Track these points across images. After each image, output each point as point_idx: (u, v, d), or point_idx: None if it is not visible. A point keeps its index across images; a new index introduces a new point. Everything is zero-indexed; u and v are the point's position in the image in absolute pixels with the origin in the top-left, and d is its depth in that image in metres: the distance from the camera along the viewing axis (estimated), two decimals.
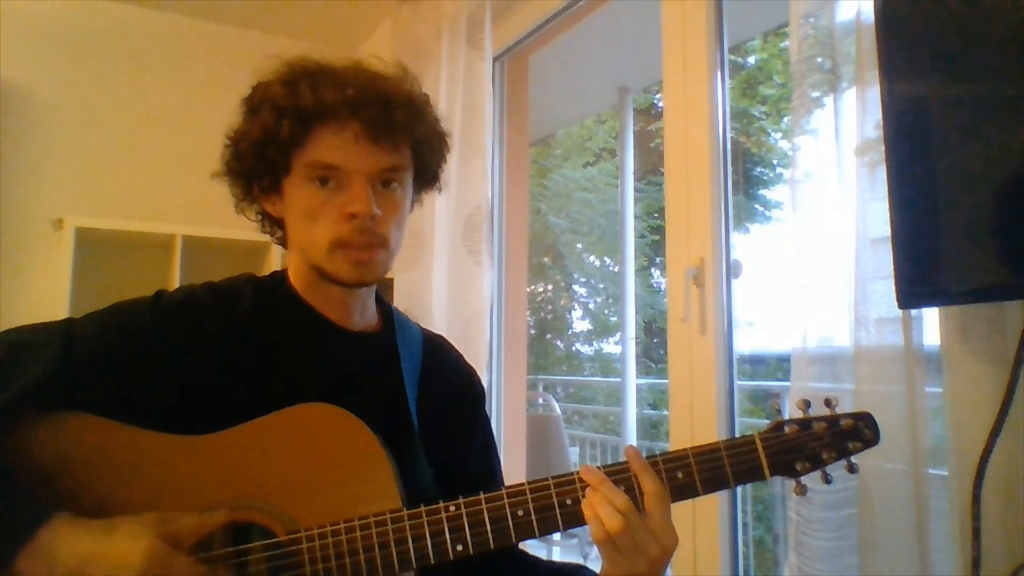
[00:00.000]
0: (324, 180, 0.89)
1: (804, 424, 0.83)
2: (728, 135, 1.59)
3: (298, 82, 0.90)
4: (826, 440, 0.82)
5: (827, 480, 0.83)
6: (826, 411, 0.84)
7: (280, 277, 1.00)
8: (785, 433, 0.83)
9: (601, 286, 9.03)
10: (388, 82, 0.93)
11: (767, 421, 0.86)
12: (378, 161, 0.90)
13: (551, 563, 1.05)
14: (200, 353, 0.89)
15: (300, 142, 0.89)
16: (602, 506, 0.78)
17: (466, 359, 1.13)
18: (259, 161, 0.91)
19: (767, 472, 0.82)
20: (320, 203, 0.89)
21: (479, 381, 1.12)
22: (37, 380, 0.81)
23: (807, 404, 0.84)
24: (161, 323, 0.89)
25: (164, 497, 0.82)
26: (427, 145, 0.98)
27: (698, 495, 0.82)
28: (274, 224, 0.99)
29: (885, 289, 1.06)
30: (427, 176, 1.02)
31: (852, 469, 0.83)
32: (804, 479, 0.83)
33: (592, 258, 9.11)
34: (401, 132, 0.92)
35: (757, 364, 5.27)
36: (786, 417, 0.85)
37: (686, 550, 1.52)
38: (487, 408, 1.13)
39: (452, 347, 1.13)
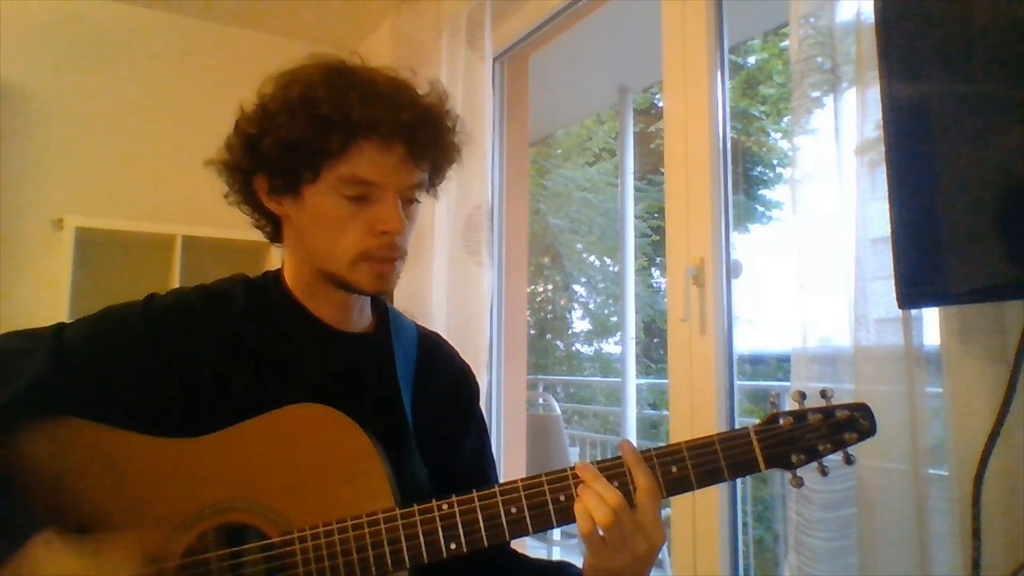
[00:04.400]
0: (357, 196, 0.88)
1: (799, 416, 0.83)
2: (728, 135, 1.58)
3: (347, 92, 0.86)
4: (822, 432, 0.82)
5: (823, 472, 0.83)
6: (822, 403, 0.84)
7: (273, 278, 0.99)
8: (780, 425, 0.82)
9: (601, 286, 9.03)
10: (431, 101, 0.92)
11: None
12: (412, 179, 0.90)
13: (539, 561, 1.05)
14: (192, 356, 0.88)
15: (340, 154, 0.86)
16: (592, 500, 0.78)
17: (461, 356, 1.13)
18: (283, 162, 0.88)
19: (762, 465, 0.81)
20: (349, 216, 0.88)
21: (474, 378, 1.12)
22: (28, 386, 0.81)
23: (802, 396, 0.84)
24: (153, 327, 0.89)
25: (159, 500, 0.82)
26: (448, 162, 0.98)
27: (693, 489, 0.81)
28: (268, 218, 0.97)
29: (885, 289, 1.06)
30: (436, 181, 1.01)
31: (849, 461, 0.83)
32: (801, 472, 0.83)
33: (592, 258, 9.11)
34: (438, 154, 0.93)
35: (757, 364, 5.27)
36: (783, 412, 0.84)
37: (686, 550, 1.52)
38: (486, 408, 1.13)
39: (447, 344, 1.13)
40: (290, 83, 0.89)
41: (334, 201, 0.88)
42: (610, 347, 8.70)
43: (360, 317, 1.01)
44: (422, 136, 0.89)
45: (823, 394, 0.84)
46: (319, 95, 0.86)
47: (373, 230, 0.88)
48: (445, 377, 1.07)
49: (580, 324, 9.16)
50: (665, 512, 0.85)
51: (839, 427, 0.82)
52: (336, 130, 0.85)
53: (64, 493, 0.81)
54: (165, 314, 0.90)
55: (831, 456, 0.83)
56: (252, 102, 0.91)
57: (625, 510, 0.78)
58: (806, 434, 0.82)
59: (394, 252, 0.90)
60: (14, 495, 0.78)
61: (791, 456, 0.82)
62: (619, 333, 6.94)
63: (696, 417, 1.53)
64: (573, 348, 9.13)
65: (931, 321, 1.05)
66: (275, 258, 2.65)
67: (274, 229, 0.98)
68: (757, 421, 0.84)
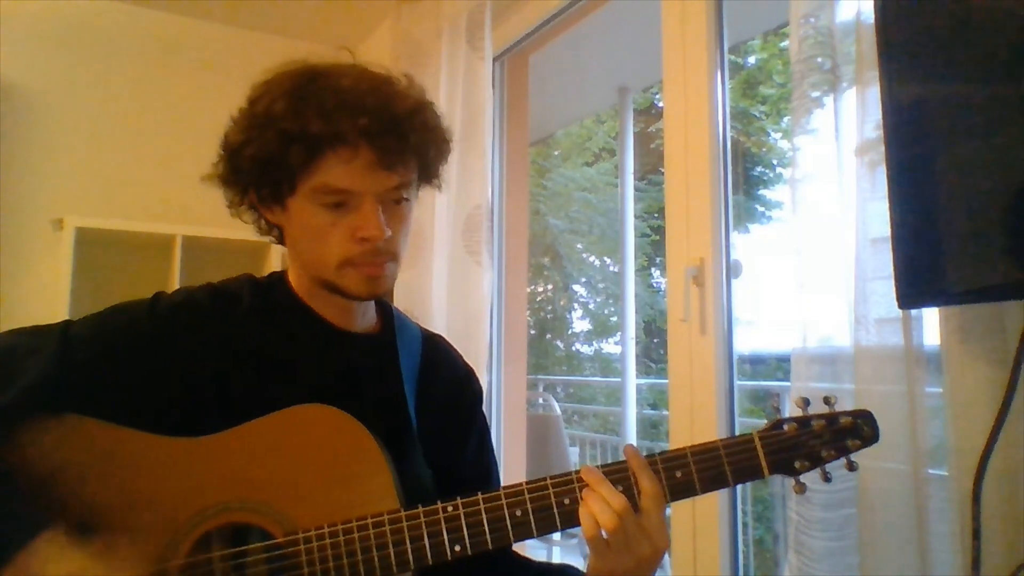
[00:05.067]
0: (333, 203, 0.87)
1: (803, 422, 0.83)
2: (728, 135, 1.59)
3: (306, 103, 0.85)
4: (825, 438, 0.82)
5: (827, 478, 0.83)
6: (825, 409, 0.84)
7: (279, 278, 1.00)
8: (784, 431, 0.82)
9: (601, 286, 9.03)
10: (399, 101, 0.89)
11: (767, 421, 0.86)
12: (389, 182, 0.89)
13: (541, 563, 1.05)
14: (198, 355, 0.88)
15: (308, 167, 0.86)
16: (597, 504, 0.78)
17: (464, 358, 1.13)
18: (261, 179, 0.89)
19: (766, 471, 0.82)
20: (329, 224, 0.88)
21: (477, 380, 1.12)
22: (35, 383, 0.81)
23: (806, 402, 0.84)
24: (159, 325, 0.89)
25: (163, 499, 0.82)
26: (433, 153, 0.96)
27: (697, 494, 0.82)
28: (270, 224, 0.98)
29: (885, 289, 1.06)
30: (427, 175, 1.00)
31: (852, 467, 0.83)
32: (803, 477, 0.83)
33: (592, 258, 9.10)
34: (413, 154, 0.91)
35: (757, 364, 5.27)
36: (785, 416, 0.85)
37: (686, 550, 1.52)
38: (487, 408, 1.13)
39: (450, 346, 1.13)
40: (258, 97, 0.89)
41: (313, 211, 0.88)
42: (610, 347, 8.70)
43: (364, 318, 1.01)
44: (388, 139, 0.86)
45: (826, 400, 0.84)
46: (279, 109, 0.85)
47: (354, 237, 0.88)
48: (448, 380, 1.07)
49: (580, 324, 9.17)
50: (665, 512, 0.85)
51: (842, 434, 0.82)
52: (299, 144, 0.84)
53: (68, 490, 0.80)
54: (172, 313, 0.91)
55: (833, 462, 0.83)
56: (236, 114, 0.91)
57: (630, 514, 0.78)
58: (810, 440, 0.82)
59: (378, 257, 0.89)
60: (19, 492, 0.78)
61: (795, 462, 0.82)
62: (619, 333, 6.94)
63: (696, 417, 1.53)
64: (573, 348, 9.13)
65: (931, 321, 1.05)
66: (275, 258, 2.66)
67: (280, 233, 0.98)
68: (761, 423, 0.84)
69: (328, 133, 0.84)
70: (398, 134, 0.87)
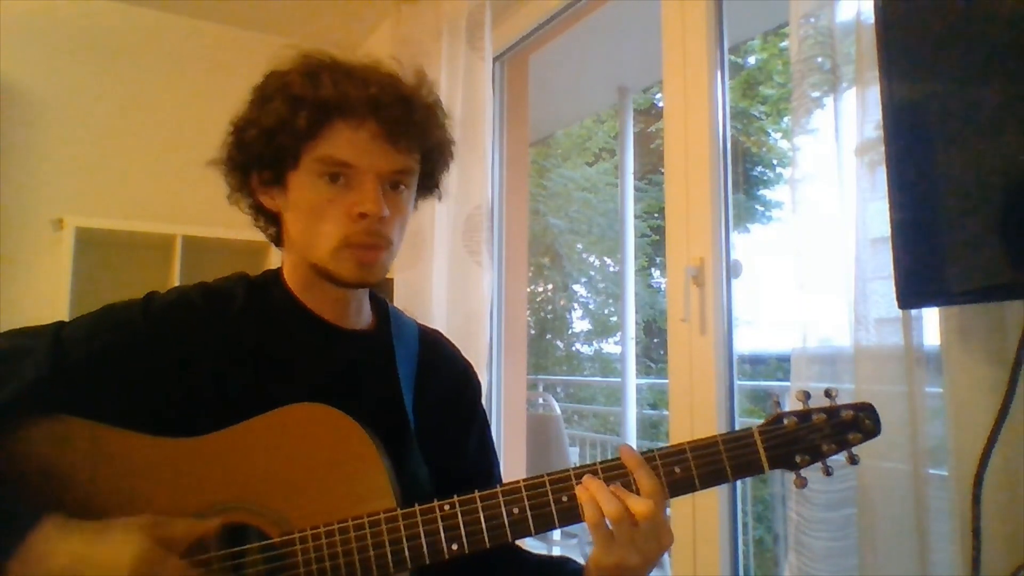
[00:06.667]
0: (334, 176, 0.88)
1: (803, 416, 0.82)
2: (728, 135, 1.58)
3: (318, 73, 0.88)
4: (826, 432, 0.81)
5: (827, 472, 0.82)
6: (826, 403, 0.83)
7: (274, 276, 0.99)
8: (784, 426, 0.82)
9: (601, 286, 9.03)
10: (408, 84, 0.93)
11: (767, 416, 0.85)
12: (391, 162, 0.89)
13: (539, 555, 1.05)
14: (193, 354, 0.88)
15: (314, 135, 0.87)
16: (601, 492, 0.78)
17: (463, 354, 1.13)
18: (266, 150, 0.89)
19: (766, 465, 0.81)
20: (328, 200, 0.88)
21: (476, 376, 1.12)
22: (28, 384, 0.81)
23: (807, 396, 0.83)
24: (153, 324, 0.88)
25: (158, 500, 0.81)
26: (436, 152, 0.97)
27: (696, 490, 0.81)
28: (268, 219, 0.98)
29: (885, 289, 1.06)
30: (429, 183, 1.01)
31: (853, 461, 0.82)
32: (804, 472, 0.82)
33: (592, 258, 9.10)
34: (417, 135, 0.91)
35: (757, 364, 5.27)
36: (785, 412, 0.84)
37: (686, 550, 1.52)
38: (486, 408, 1.13)
39: (448, 342, 1.12)
40: (270, 75, 0.92)
41: (313, 183, 0.88)
42: (610, 347, 8.69)
43: (359, 315, 1.00)
44: (394, 112, 0.88)
45: (827, 394, 0.83)
46: (292, 79, 0.89)
47: (351, 214, 0.87)
48: (447, 376, 1.06)
49: (580, 324, 9.16)
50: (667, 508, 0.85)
51: (843, 427, 0.81)
52: (308, 109, 0.86)
53: (63, 493, 0.80)
54: (165, 312, 0.90)
55: (834, 456, 0.83)
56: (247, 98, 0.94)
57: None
58: (810, 434, 0.81)
59: (374, 238, 0.89)
60: (16, 489, 0.78)
61: (795, 457, 0.81)
62: (619, 333, 6.95)
63: (696, 417, 1.53)
64: (573, 348, 9.12)
65: (931, 321, 1.05)
66: (275, 258, 2.64)
67: (277, 231, 0.98)
68: (759, 421, 0.84)
69: (337, 99, 0.86)
70: (405, 108, 0.89)
